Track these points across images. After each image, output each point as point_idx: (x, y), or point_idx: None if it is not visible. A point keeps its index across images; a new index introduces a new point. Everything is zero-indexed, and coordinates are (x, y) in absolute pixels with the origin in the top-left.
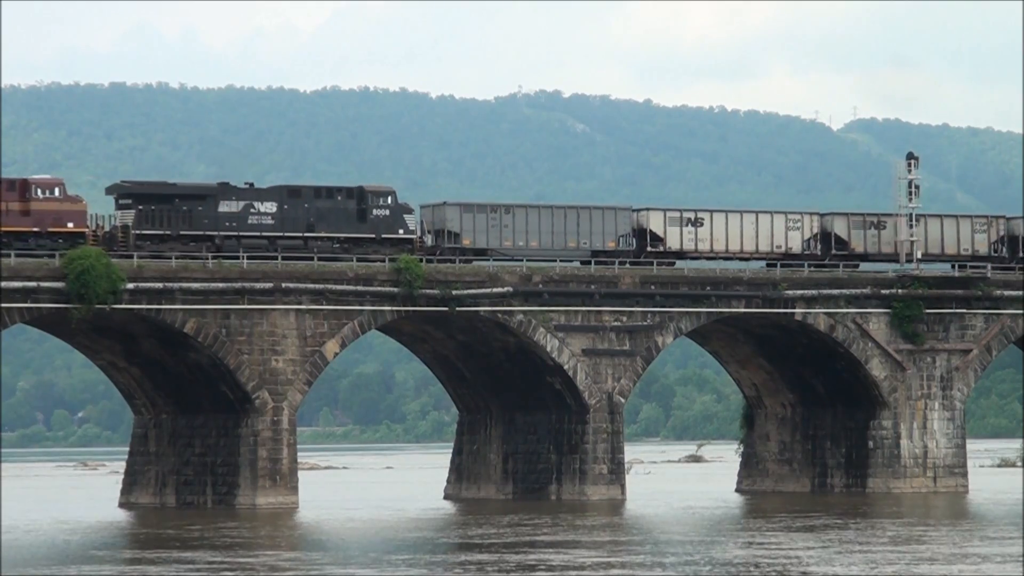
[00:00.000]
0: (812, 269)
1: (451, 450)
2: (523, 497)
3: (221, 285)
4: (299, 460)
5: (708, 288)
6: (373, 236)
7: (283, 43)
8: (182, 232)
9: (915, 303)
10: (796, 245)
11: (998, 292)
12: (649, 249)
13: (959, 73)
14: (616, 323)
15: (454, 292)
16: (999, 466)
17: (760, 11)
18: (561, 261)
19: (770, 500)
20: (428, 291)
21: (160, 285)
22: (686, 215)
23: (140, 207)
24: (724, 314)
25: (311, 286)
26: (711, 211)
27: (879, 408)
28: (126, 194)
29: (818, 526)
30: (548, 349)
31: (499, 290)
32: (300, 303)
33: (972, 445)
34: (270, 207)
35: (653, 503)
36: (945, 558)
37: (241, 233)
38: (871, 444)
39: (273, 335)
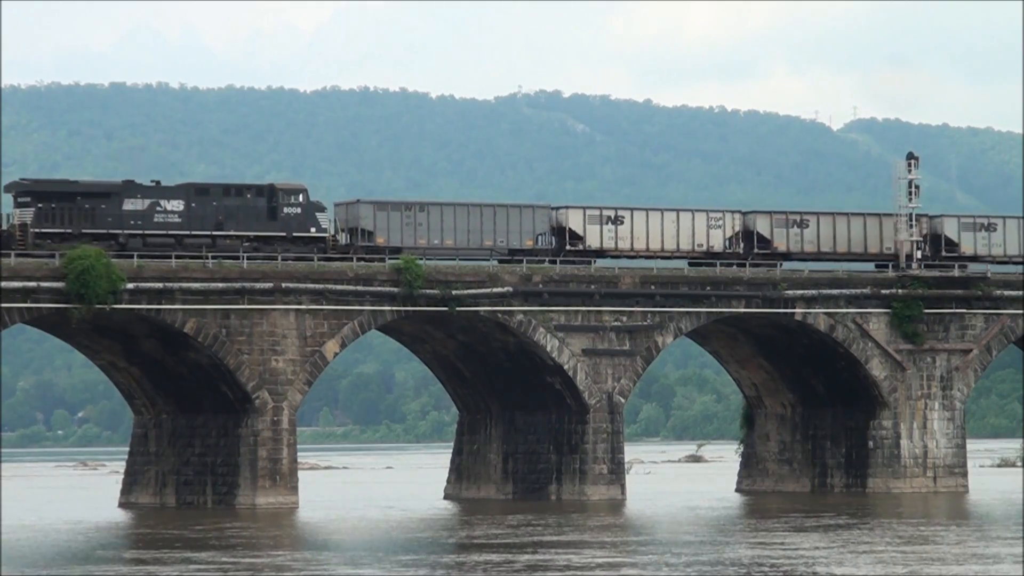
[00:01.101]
0: (735, 268)
1: (451, 450)
2: (523, 497)
3: (221, 285)
4: (299, 460)
5: (708, 288)
6: (284, 234)
7: (283, 43)
8: (84, 231)
9: (915, 303)
10: (718, 243)
11: (998, 292)
12: (568, 248)
13: (959, 73)
14: (616, 323)
15: (454, 292)
16: (999, 466)
17: (760, 11)
18: (477, 260)
19: (770, 500)
20: (428, 291)
21: (160, 285)
22: (606, 213)
23: (40, 205)
24: (724, 314)
25: (311, 286)
26: (631, 209)
27: (879, 408)
28: (24, 192)
29: (827, 526)
30: (548, 349)
31: (499, 290)
32: (300, 303)
33: (972, 445)
34: (177, 205)
35: (653, 503)
36: (955, 558)
37: (146, 231)
38: (871, 444)
39: (273, 335)
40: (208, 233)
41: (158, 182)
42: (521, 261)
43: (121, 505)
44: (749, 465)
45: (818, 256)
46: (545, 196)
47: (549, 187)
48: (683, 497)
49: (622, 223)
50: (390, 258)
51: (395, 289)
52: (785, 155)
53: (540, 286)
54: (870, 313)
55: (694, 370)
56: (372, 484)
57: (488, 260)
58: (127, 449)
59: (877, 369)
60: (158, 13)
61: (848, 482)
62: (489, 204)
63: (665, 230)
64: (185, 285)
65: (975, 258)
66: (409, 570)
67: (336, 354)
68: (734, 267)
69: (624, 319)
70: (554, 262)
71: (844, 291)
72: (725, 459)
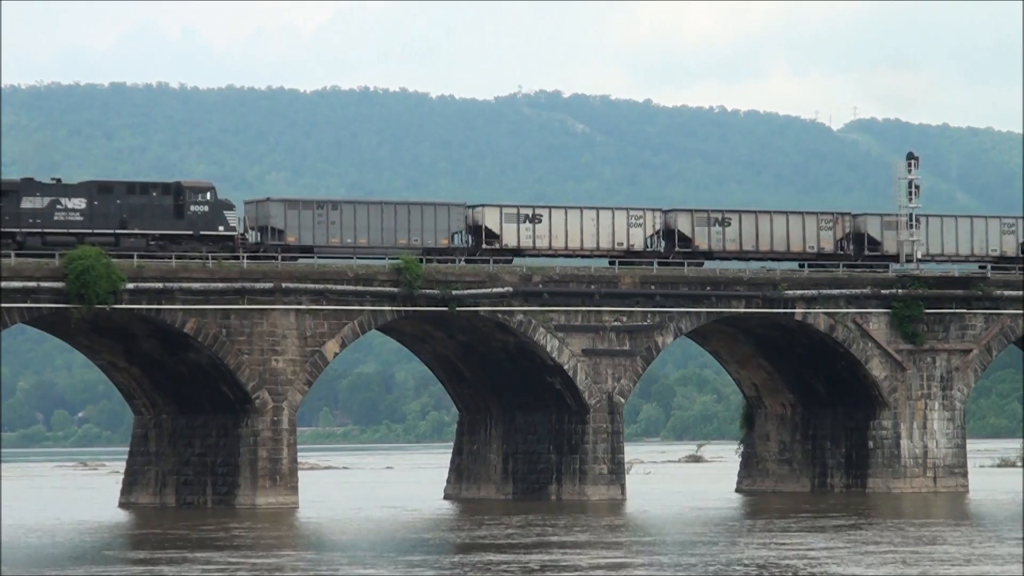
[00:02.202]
0: (657, 267)
1: (451, 450)
2: (523, 497)
3: (221, 285)
4: (299, 460)
5: (708, 288)
6: (191, 233)
7: (284, 43)
8: None
9: (915, 303)
10: (638, 242)
11: (998, 292)
12: (485, 247)
13: (959, 73)
14: (616, 323)
15: (454, 292)
16: (999, 466)
17: (760, 11)
18: (392, 259)
19: (770, 500)
20: (428, 291)
21: (160, 285)
22: (523, 211)
23: None
24: (724, 314)
25: (311, 286)
26: (549, 207)
27: (879, 408)
28: None
29: (837, 526)
30: (548, 349)
31: (499, 290)
32: (300, 303)
33: (972, 445)
34: (78, 203)
35: (654, 503)
36: (965, 558)
37: (46, 230)
38: (871, 444)
39: (273, 335)
40: (111, 232)
41: (59, 180)
42: (437, 260)
43: (121, 505)
44: (749, 465)
45: (741, 255)
46: (545, 196)
47: (549, 187)
48: (683, 497)
49: (540, 221)
50: (300, 257)
51: (395, 289)
52: (785, 155)
53: (540, 286)
54: (870, 313)
55: (694, 370)
56: (372, 484)
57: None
58: (127, 449)
59: (877, 369)
60: (158, 13)
61: (848, 482)
62: (403, 202)
63: (584, 229)
64: (185, 285)
65: (896, 257)
66: (419, 570)
67: (336, 354)
68: (654, 266)
69: (624, 319)
70: (470, 261)
71: (844, 291)
72: (725, 459)
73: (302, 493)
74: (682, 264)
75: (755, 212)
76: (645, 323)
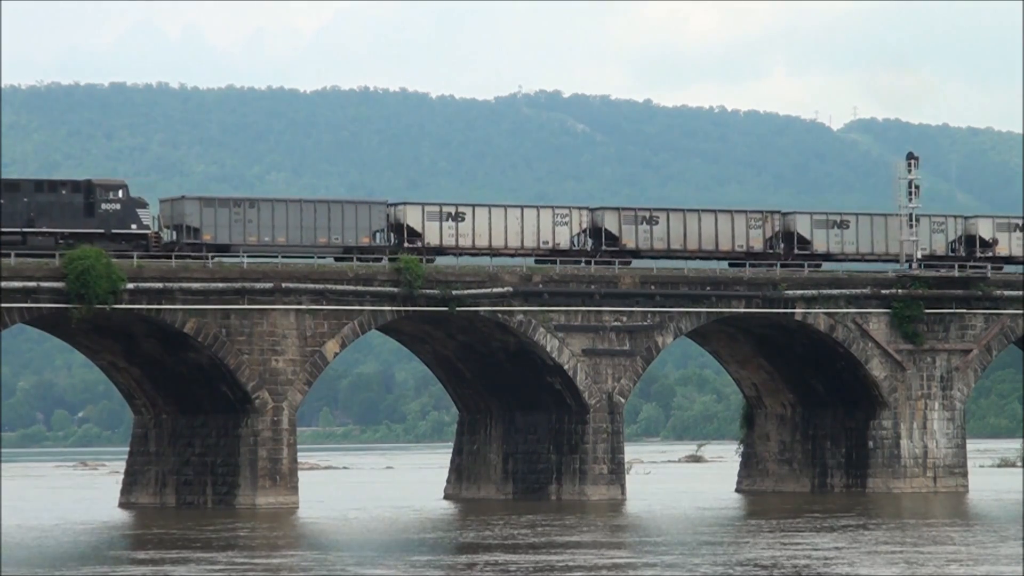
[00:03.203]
0: (583, 266)
1: (451, 450)
2: (523, 497)
3: (221, 285)
4: (299, 460)
5: (708, 288)
6: (102, 231)
7: (284, 43)
8: None
9: (915, 303)
10: (564, 241)
11: (998, 292)
12: (407, 245)
13: (959, 73)
14: (616, 323)
15: (454, 292)
16: (999, 466)
17: (760, 11)
18: (315, 257)
19: (770, 500)
20: (428, 291)
21: (160, 285)
22: (446, 210)
23: None
24: (724, 314)
25: (311, 286)
26: (472, 206)
27: (879, 408)
28: None
29: (843, 526)
30: (548, 349)
31: (499, 290)
32: (300, 303)
33: (972, 445)
34: None
35: (655, 504)
36: (976, 559)
37: None
38: (871, 444)
39: (273, 335)
40: (18, 230)
41: None
42: (359, 259)
43: (121, 505)
44: (749, 465)
45: (669, 253)
46: (545, 196)
47: (549, 187)
48: (683, 497)
49: (463, 220)
50: (216, 256)
51: (395, 289)
52: (785, 155)
53: (540, 286)
54: (870, 313)
55: (694, 370)
56: (372, 484)
57: (324, 258)
58: (127, 449)
59: (877, 369)
60: (158, 13)
61: (848, 482)
62: (323, 200)
63: (509, 227)
64: (185, 285)
65: (827, 256)
66: (431, 571)
67: (336, 354)
68: (581, 265)
69: (624, 319)
70: (393, 259)
71: (844, 291)
72: (725, 459)
73: (302, 493)
74: (612, 263)
75: (683, 210)
76: (645, 323)
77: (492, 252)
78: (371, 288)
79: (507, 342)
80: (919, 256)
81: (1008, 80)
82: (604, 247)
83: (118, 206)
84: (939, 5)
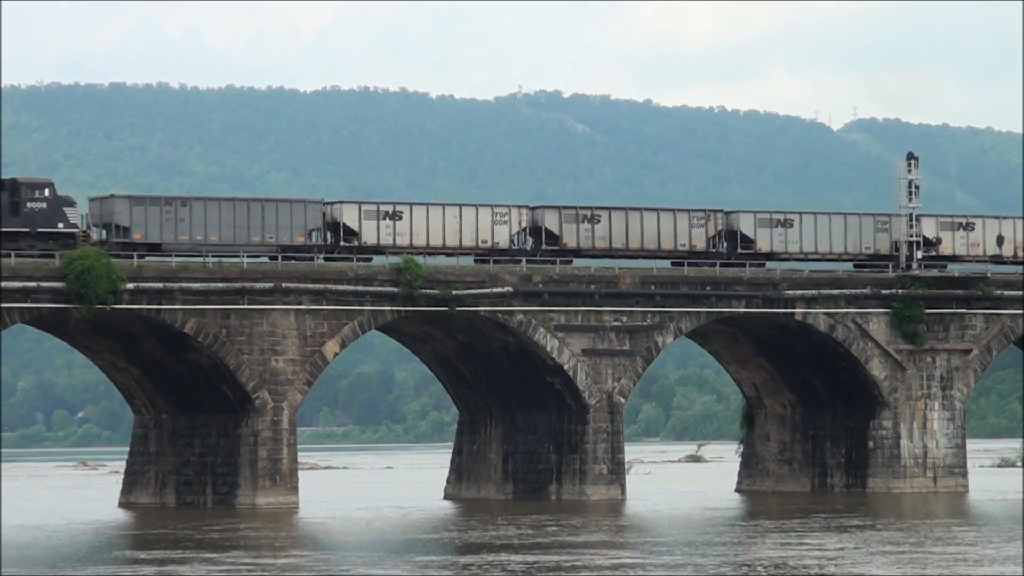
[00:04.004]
0: (527, 264)
1: (451, 450)
2: (523, 497)
3: (221, 285)
4: (299, 460)
5: (708, 288)
6: (28, 230)
7: (285, 44)
8: None
9: (915, 303)
10: (504, 240)
11: (998, 292)
12: (343, 244)
13: (959, 73)
14: (616, 323)
15: (454, 292)
16: (999, 466)
17: (760, 11)
18: (247, 256)
19: (771, 500)
20: (428, 291)
21: (160, 285)
22: (383, 208)
23: None
24: (724, 314)
25: (311, 286)
26: (410, 204)
27: (879, 408)
28: None
29: (850, 527)
30: (548, 349)
31: (499, 290)
32: (300, 303)
33: (972, 445)
34: None
35: (657, 504)
36: (988, 559)
37: None
38: (871, 444)
39: (273, 335)
40: None
41: None
42: (294, 257)
43: (121, 505)
44: (749, 465)
45: (610, 252)
46: (545, 196)
47: (549, 187)
48: (683, 497)
49: (400, 219)
50: (150, 255)
51: (395, 289)
52: (785, 155)
53: (540, 286)
54: (870, 313)
55: (694, 370)
56: (372, 484)
57: (258, 257)
58: (127, 449)
59: (877, 369)
60: (159, 13)
61: (848, 482)
62: (257, 199)
63: (447, 226)
64: (185, 285)
65: (771, 255)
66: (440, 571)
67: (336, 354)
68: (522, 264)
69: (624, 319)
70: (331, 259)
71: (844, 291)
72: (725, 459)
73: (302, 493)
74: (553, 262)
75: (625, 209)
76: (645, 323)
77: (430, 251)
78: (371, 288)
79: (507, 342)
80: (864, 254)
81: (1008, 80)
82: (545, 246)
83: (44, 205)
84: (939, 5)
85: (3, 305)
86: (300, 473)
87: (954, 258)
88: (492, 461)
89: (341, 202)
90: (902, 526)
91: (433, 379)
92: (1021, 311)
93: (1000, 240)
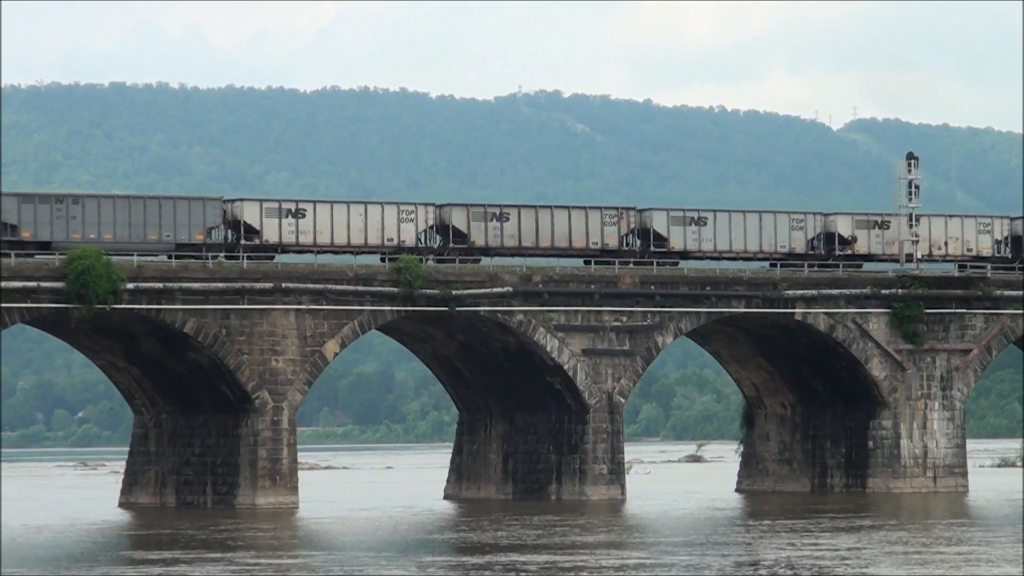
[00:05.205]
0: (435, 261)
1: (451, 450)
2: (523, 497)
3: (221, 285)
4: (299, 460)
5: (708, 288)
6: None
7: (284, 43)
8: None
9: (915, 303)
10: (410, 238)
11: (998, 292)
12: (244, 242)
13: (959, 73)
14: (616, 323)
15: (454, 292)
16: (999, 466)
17: (760, 11)
18: (141, 255)
19: (771, 500)
20: (428, 291)
21: (160, 285)
22: (285, 206)
23: None
24: (724, 314)
25: (311, 286)
26: (313, 202)
27: (879, 408)
28: None
29: (857, 527)
30: (548, 349)
31: (499, 290)
32: (300, 303)
33: (972, 445)
34: None
35: (660, 504)
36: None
37: None
38: (871, 444)
39: (273, 335)
40: None
41: None
42: (190, 256)
43: (121, 505)
44: (749, 465)
45: (519, 251)
46: (545, 196)
47: (549, 187)
48: (684, 497)
49: (303, 216)
50: (37, 253)
51: (395, 289)
52: (785, 155)
53: (540, 286)
54: (870, 313)
55: (694, 370)
56: (372, 484)
57: (156, 256)
58: (127, 449)
59: (877, 369)
60: (159, 13)
61: (848, 482)
62: (153, 196)
63: (352, 224)
64: (185, 285)
65: (684, 254)
66: (443, 572)
67: (336, 354)
68: (429, 262)
69: (624, 319)
70: (230, 257)
71: (844, 291)
72: (725, 459)
73: (302, 493)
74: (464, 261)
75: (535, 207)
76: (645, 323)
77: (333, 250)
78: (371, 288)
79: (507, 342)
80: (778, 251)
81: (1008, 80)
82: (452, 244)
83: None
84: (939, 5)
85: (3, 305)
86: (300, 473)
87: (869, 256)
88: (492, 461)
89: (242, 199)
90: (911, 526)
91: (433, 379)
92: (1021, 311)
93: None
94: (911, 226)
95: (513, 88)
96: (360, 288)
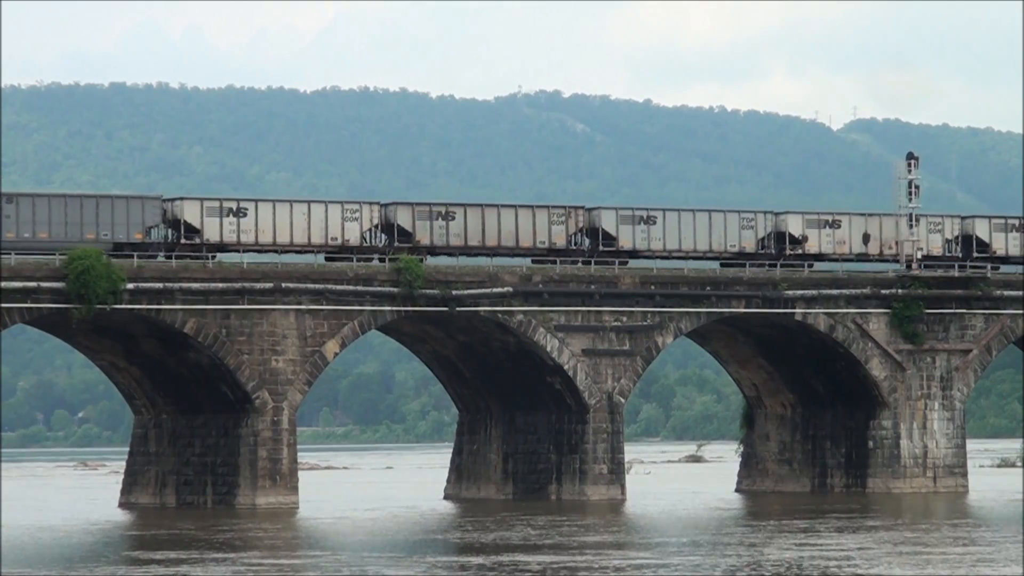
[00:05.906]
0: (377, 262)
1: (451, 450)
2: (523, 497)
3: (221, 285)
4: (299, 460)
5: (708, 288)
6: None
7: (284, 43)
8: None
9: (915, 303)
10: (354, 237)
11: (998, 292)
12: (184, 241)
13: (959, 73)
14: (616, 323)
15: (454, 292)
16: (999, 466)
17: (760, 11)
18: (61, 254)
19: (772, 500)
20: (428, 291)
21: (160, 285)
22: (227, 205)
23: None
24: (724, 314)
25: (311, 286)
26: (255, 201)
27: (879, 408)
28: None
29: (861, 527)
30: (548, 349)
31: (499, 290)
32: (300, 303)
33: (972, 445)
34: None
35: (661, 504)
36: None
37: None
38: (871, 444)
39: (273, 335)
40: None
41: None
42: (129, 255)
43: (121, 505)
44: (749, 465)
45: (466, 250)
46: (545, 196)
47: (549, 187)
48: (684, 497)
49: (245, 215)
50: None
51: (395, 289)
52: (785, 155)
53: (540, 286)
54: (870, 313)
55: (694, 370)
56: (372, 484)
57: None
58: (127, 449)
59: (877, 369)
60: (159, 13)
61: (848, 482)
62: (91, 195)
63: (295, 223)
64: (185, 285)
65: (633, 252)
66: (448, 572)
67: (336, 354)
68: (375, 261)
69: (624, 319)
70: (169, 257)
71: (844, 291)
72: (725, 459)
73: (302, 493)
74: (384, 257)
75: (482, 206)
76: (645, 323)
77: (276, 249)
78: (371, 288)
79: (507, 342)
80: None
81: (1008, 80)
82: (397, 243)
83: None
84: (939, 5)
85: (3, 305)
86: (300, 473)
87: (820, 256)
88: (492, 461)
89: (182, 198)
90: (914, 527)
91: (433, 379)
92: (1021, 311)
93: (866, 238)
94: (911, 226)
95: (513, 88)
96: (360, 288)
